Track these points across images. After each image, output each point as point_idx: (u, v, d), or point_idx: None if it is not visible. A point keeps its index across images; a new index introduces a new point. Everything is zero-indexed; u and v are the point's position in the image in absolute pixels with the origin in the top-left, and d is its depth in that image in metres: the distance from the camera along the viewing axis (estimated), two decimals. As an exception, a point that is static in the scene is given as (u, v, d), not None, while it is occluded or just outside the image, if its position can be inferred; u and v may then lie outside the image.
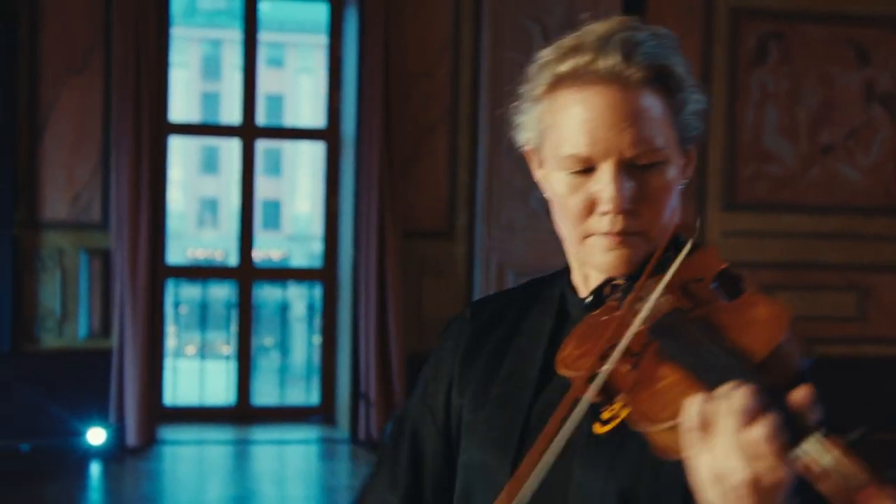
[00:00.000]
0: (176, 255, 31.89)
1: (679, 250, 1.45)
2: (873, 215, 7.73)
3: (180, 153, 39.59)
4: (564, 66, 1.44)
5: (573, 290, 1.58)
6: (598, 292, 1.48)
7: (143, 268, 6.72)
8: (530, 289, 1.67)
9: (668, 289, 1.37)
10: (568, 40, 1.46)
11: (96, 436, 6.65)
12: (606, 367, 1.31)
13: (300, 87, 40.42)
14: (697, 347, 1.26)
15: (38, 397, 6.64)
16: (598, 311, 1.46)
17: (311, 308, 8.45)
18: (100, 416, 6.72)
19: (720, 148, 7.48)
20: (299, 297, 10.59)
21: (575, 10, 7.15)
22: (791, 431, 1.11)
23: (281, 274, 11.91)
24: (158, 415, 7.08)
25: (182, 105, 38.16)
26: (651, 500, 1.39)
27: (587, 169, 1.43)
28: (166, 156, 7.24)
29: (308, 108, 38.88)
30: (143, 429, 6.73)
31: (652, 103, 1.43)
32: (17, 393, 6.68)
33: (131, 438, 6.70)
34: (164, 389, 7.47)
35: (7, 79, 6.70)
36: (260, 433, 7.35)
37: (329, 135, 7.61)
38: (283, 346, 9.90)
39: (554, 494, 1.44)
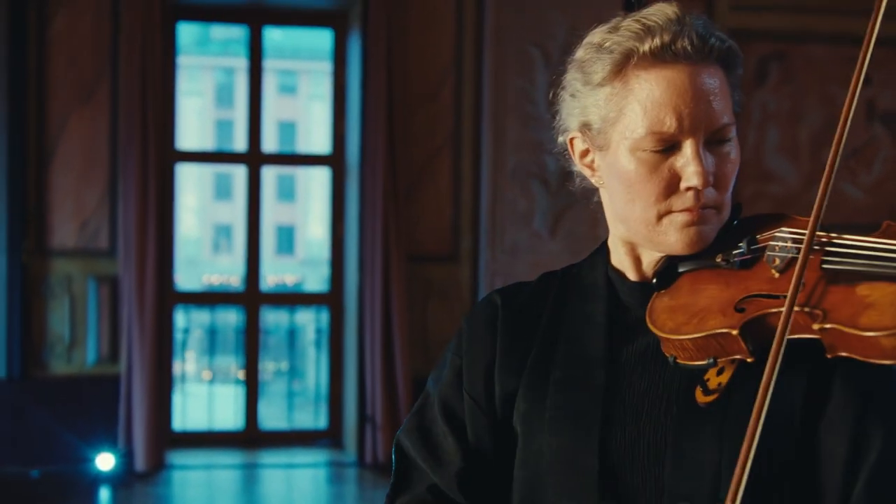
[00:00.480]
0: (192, 280, 32.00)
1: (734, 227, 1.51)
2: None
3: (194, 180, 39.75)
4: (644, 46, 1.44)
5: (619, 273, 1.58)
6: (664, 272, 1.50)
7: (151, 294, 6.69)
8: (560, 277, 1.66)
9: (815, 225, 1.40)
10: (629, 24, 1.46)
11: (105, 461, 6.60)
12: (791, 295, 1.30)
13: (312, 113, 40.57)
14: (889, 260, 1.30)
15: (48, 423, 6.61)
16: (667, 291, 1.48)
17: (319, 332, 8.41)
18: (108, 442, 6.67)
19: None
20: (308, 322, 10.55)
21: (576, 35, 7.11)
22: None
23: (288, 299, 11.87)
24: (167, 440, 7.03)
25: (196, 132, 38.34)
26: (768, 459, 1.35)
27: (668, 148, 1.45)
28: (174, 183, 7.21)
29: (319, 135, 39.05)
30: (151, 454, 6.69)
31: (722, 80, 1.47)
32: (27, 419, 6.66)
33: (140, 464, 6.66)
34: (172, 414, 7.43)
35: (16, 107, 6.70)
36: (268, 457, 7.29)
37: (334, 160, 7.58)
38: (292, 371, 9.84)
39: (648, 471, 1.41)
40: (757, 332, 1.35)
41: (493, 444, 1.57)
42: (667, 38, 1.42)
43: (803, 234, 1.38)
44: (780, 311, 1.32)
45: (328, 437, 7.59)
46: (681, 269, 1.49)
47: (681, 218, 1.45)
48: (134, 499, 6.36)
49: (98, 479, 6.55)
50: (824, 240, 1.38)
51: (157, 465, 6.76)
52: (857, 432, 1.33)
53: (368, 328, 6.97)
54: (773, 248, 1.42)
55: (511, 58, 7.14)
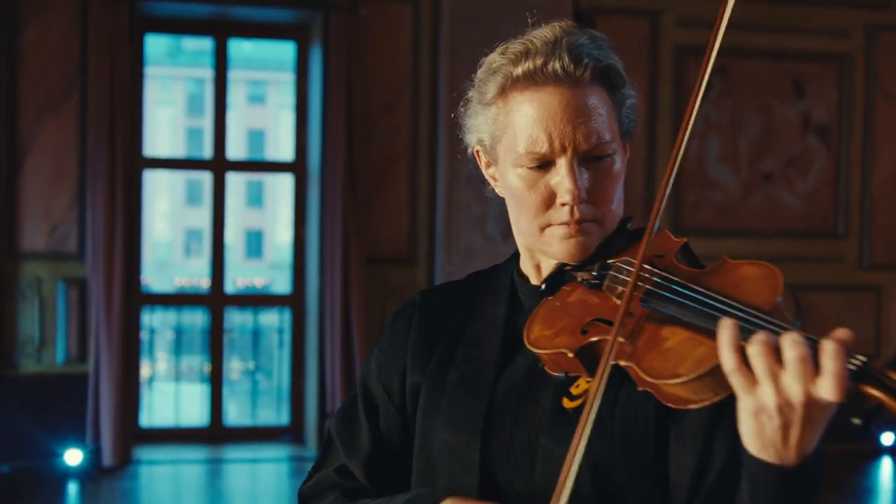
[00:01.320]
0: (163, 282, 31.82)
1: (625, 237, 1.51)
2: (812, 239, 7.80)
3: (166, 187, 39.55)
4: (518, 70, 1.47)
5: (523, 277, 1.61)
6: (553, 279, 1.52)
7: (118, 296, 6.71)
8: (478, 278, 1.69)
9: (640, 264, 1.40)
10: (515, 45, 1.51)
11: (74, 457, 6.61)
12: (614, 331, 1.32)
13: (280, 122, 40.46)
14: (698, 308, 1.29)
15: (18, 420, 6.60)
16: (554, 297, 1.49)
17: (281, 332, 8.44)
18: (77, 438, 6.69)
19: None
20: (271, 322, 10.58)
21: (528, 47, 7.20)
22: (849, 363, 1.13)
23: (251, 300, 11.89)
24: (134, 436, 7.04)
25: (167, 140, 38.15)
26: (621, 468, 1.41)
27: (543, 164, 1.47)
28: (141, 189, 7.23)
29: (287, 142, 38.84)
30: (118, 450, 6.69)
31: (600, 100, 1.48)
32: (-2, 417, 6.65)
33: (107, 459, 6.66)
34: (139, 411, 7.44)
35: (-13, 117, 6.70)
36: (232, 452, 7.31)
37: (297, 167, 7.62)
38: (257, 369, 9.87)
39: (521, 468, 1.46)
40: (592, 355, 1.38)
41: (401, 435, 1.62)
42: (539, 61, 1.45)
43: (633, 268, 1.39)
44: (615, 338, 1.34)
45: (290, 433, 7.62)
46: (566, 278, 1.51)
47: (559, 231, 1.48)
48: (101, 493, 6.36)
49: (67, 474, 6.55)
50: (656, 276, 1.37)
51: (125, 461, 6.76)
52: (704, 448, 1.38)
53: (329, 328, 7.02)
54: (615, 277, 1.43)
55: (466, 70, 7.17)
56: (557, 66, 1.45)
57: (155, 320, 8.85)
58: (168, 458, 7.10)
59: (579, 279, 1.48)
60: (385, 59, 7.18)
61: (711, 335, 1.23)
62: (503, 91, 1.50)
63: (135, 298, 7.02)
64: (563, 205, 1.47)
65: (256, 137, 39.98)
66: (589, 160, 1.47)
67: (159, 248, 39.72)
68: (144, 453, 7.08)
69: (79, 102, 6.86)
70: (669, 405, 1.29)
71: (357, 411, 1.67)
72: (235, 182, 37.30)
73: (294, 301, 7.67)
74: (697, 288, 1.32)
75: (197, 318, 9.80)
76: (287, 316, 7.88)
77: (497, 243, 7.26)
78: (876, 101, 7.94)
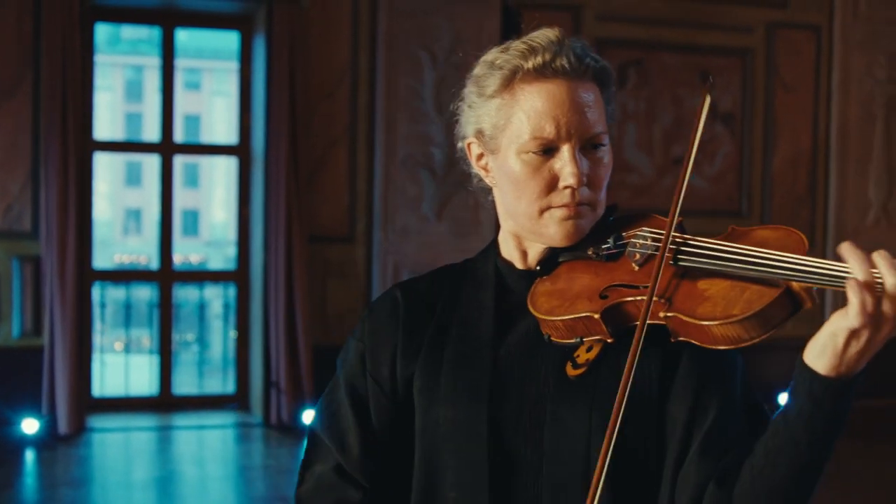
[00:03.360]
0: (103, 260, 31.27)
1: (609, 223, 1.55)
2: (718, 217, 7.90)
3: (107, 168, 38.83)
4: (528, 64, 1.48)
5: (508, 264, 1.60)
6: (547, 261, 1.54)
7: (71, 272, 6.57)
8: (455, 268, 1.67)
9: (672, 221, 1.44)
10: (518, 44, 1.51)
11: (30, 426, 6.49)
12: (651, 285, 1.36)
13: (215, 107, 39.93)
14: (734, 259, 1.35)
15: (-25, 392, 6.44)
16: (550, 277, 1.52)
17: (226, 306, 8.33)
18: (33, 408, 6.55)
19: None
20: (215, 297, 10.45)
21: (460, 39, 7.18)
22: None
23: (198, 276, 11.73)
24: (87, 405, 6.92)
25: (107, 124, 37.42)
26: (632, 429, 1.42)
27: (548, 150, 1.49)
28: (92, 170, 7.06)
29: (222, 127, 38.48)
30: (73, 418, 6.58)
31: (597, 95, 1.51)
32: (-45, 388, 6.47)
33: (62, 427, 6.55)
34: (92, 382, 7.31)
35: (-59, 100, 6.49)
36: (181, 420, 7.22)
37: (241, 150, 7.52)
38: (202, 341, 9.73)
39: (530, 436, 1.46)
40: (615, 317, 1.41)
41: (392, 423, 1.58)
42: (548, 56, 1.47)
43: (661, 234, 1.43)
44: (636, 300, 1.38)
45: (236, 402, 7.55)
46: (560, 259, 1.53)
47: (559, 213, 1.50)
48: (57, 460, 6.23)
49: (23, 442, 6.42)
50: (679, 240, 1.43)
51: (79, 429, 6.65)
52: (695, 403, 1.43)
53: (273, 302, 6.95)
54: (634, 245, 1.47)
55: (401, 60, 7.17)
56: (564, 61, 1.48)
57: (103, 295, 8.67)
58: (120, 425, 6.98)
59: (590, 253, 1.50)
60: (326, 49, 7.10)
61: (753, 281, 1.32)
62: (509, 83, 1.50)
63: (86, 275, 6.87)
64: (566, 188, 1.48)
65: (193, 122, 39.38)
66: (588, 149, 1.50)
67: (100, 227, 39.00)
68: (97, 422, 6.96)
69: (31, 88, 6.68)
70: (715, 346, 1.34)
71: (342, 406, 1.61)
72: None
73: (239, 277, 7.57)
74: (724, 245, 1.38)
75: (142, 293, 9.65)
76: (231, 291, 7.78)
77: (431, 222, 7.25)
78: (776, 92, 8.06)
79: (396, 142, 7.18)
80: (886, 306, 1.23)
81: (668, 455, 1.43)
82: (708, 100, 1.49)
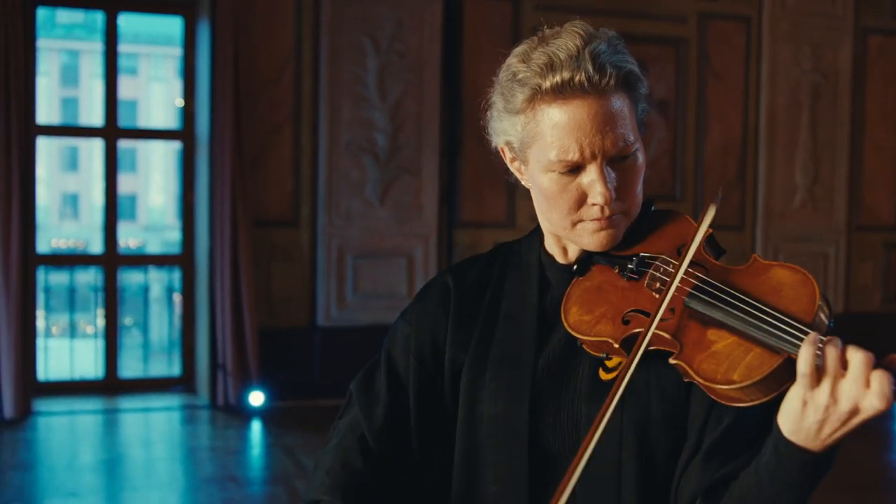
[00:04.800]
0: (41, 244, 30.72)
1: (650, 220, 1.52)
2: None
3: (44, 153, 38.07)
4: (546, 83, 1.42)
5: (550, 257, 1.60)
6: (583, 261, 1.53)
7: (15, 257, 6.45)
8: (503, 255, 1.66)
9: (674, 257, 1.43)
10: (538, 55, 1.44)
11: (-26, 410, 6.35)
12: (649, 332, 1.35)
13: (153, 93, 39.32)
14: (744, 316, 1.32)
15: (-82, 377, 6.29)
16: (585, 277, 1.51)
17: (169, 290, 8.23)
18: (-23, 392, 6.41)
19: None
20: (158, 281, 10.32)
21: (402, 27, 7.16)
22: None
23: (143, 260, 11.56)
24: (33, 389, 6.81)
25: (44, 109, 36.67)
26: (661, 432, 1.44)
27: (574, 169, 1.44)
28: (34, 154, 6.93)
29: (160, 112, 37.93)
30: (18, 402, 6.48)
31: (622, 104, 1.44)
32: None
33: (8, 411, 6.45)
34: (37, 366, 7.19)
35: None
36: (127, 402, 7.13)
37: (185, 135, 7.43)
38: (145, 325, 9.61)
39: (566, 435, 1.48)
40: (634, 344, 1.39)
41: (432, 403, 1.60)
42: (566, 75, 1.40)
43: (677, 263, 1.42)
44: (654, 332, 1.37)
45: (182, 384, 7.48)
46: (595, 260, 1.52)
47: (591, 226, 1.47)
48: (3, 443, 6.12)
49: (-32, 426, 6.30)
50: (696, 282, 1.39)
51: (25, 412, 6.54)
52: (714, 404, 1.41)
53: (219, 286, 6.89)
54: (657, 269, 1.45)
55: (345, 46, 7.13)
56: (583, 77, 1.40)
57: (46, 280, 8.52)
58: (66, 409, 6.88)
59: (616, 269, 1.49)
60: (270, 35, 7.04)
61: (757, 343, 1.31)
62: (531, 102, 1.45)
63: (31, 259, 6.75)
64: (594, 205, 1.46)
65: (129, 107, 38.72)
66: (616, 161, 1.45)
67: (38, 212, 38.25)
68: (43, 405, 6.86)
69: (-27, 71, 6.51)
70: (720, 402, 1.34)
71: (379, 374, 1.64)
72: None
73: (184, 261, 7.49)
74: (738, 294, 1.35)
75: (85, 278, 9.49)
76: (176, 275, 7.68)
77: (374, 207, 7.23)
78: (707, 80, 8.17)
79: (340, 127, 7.15)
80: (830, 383, 1.23)
81: (682, 453, 1.46)
82: (712, 211, 1.43)
